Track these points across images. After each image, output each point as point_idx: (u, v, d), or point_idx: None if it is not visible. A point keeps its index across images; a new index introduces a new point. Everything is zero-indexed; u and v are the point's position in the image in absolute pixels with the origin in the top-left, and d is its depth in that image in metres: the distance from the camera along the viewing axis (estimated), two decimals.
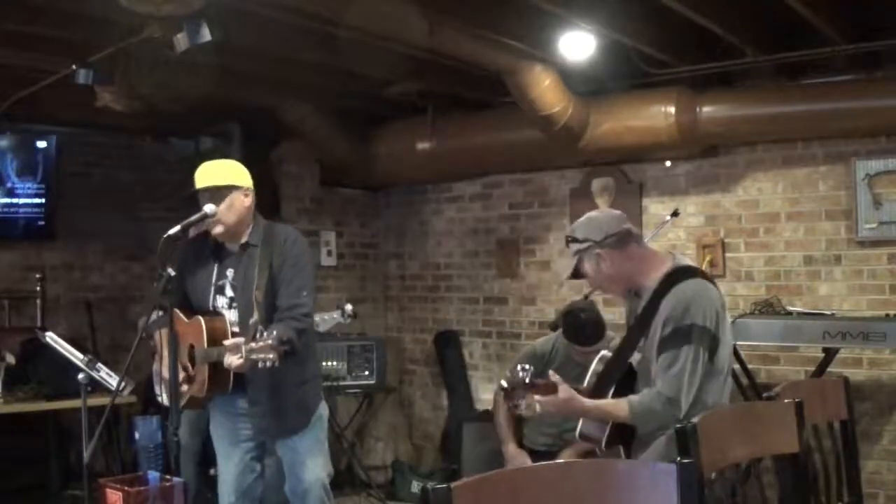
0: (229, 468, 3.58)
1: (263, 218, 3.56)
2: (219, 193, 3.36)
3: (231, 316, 3.44)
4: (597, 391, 2.93)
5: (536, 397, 2.79)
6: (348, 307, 4.68)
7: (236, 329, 3.38)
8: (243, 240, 3.46)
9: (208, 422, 3.69)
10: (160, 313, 3.37)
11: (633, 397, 2.79)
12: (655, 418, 2.73)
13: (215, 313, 3.46)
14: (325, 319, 4.58)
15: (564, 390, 2.78)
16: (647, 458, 2.75)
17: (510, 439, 4.42)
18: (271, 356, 3.05)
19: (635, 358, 2.97)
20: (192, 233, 3.49)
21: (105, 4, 3.45)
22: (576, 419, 2.95)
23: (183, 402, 3.40)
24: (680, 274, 2.84)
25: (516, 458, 4.33)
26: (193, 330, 3.41)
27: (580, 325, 4.28)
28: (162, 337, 3.44)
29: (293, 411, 3.50)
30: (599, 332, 4.24)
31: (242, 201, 3.41)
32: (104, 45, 4.07)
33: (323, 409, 3.65)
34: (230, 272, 3.47)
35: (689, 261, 3.01)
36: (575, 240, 2.94)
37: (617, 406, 2.81)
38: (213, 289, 3.48)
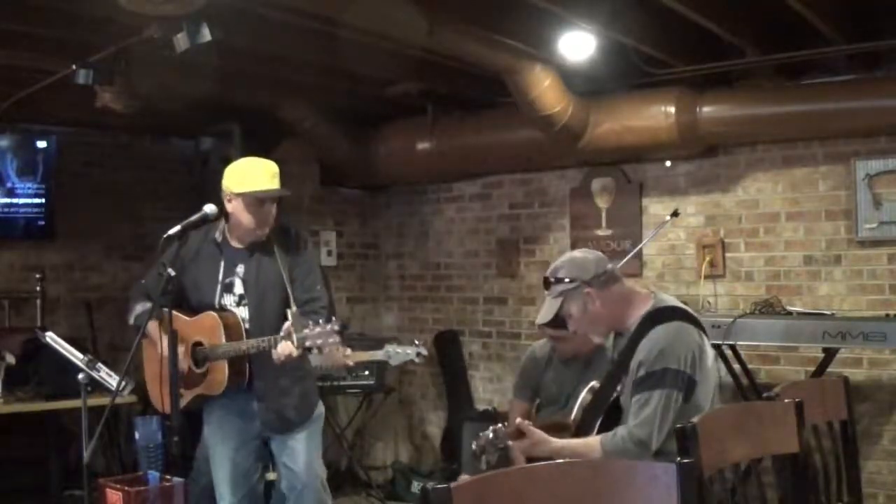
0: (233, 468, 3.56)
1: None
2: (278, 199, 3.50)
3: (241, 313, 3.45)
4: (583, 424, 3.00)
5: (510, 443, 2.89)
6: (423, 350, 4.62)
7: (248, 326, 3.43)
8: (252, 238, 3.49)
9: None
10: (147, 305, 3.37)
11: (605, 437, 2.80)
12: (626, 457, 2.69)
13: (224, 310, 3.45)
14: (398, 353, 4.52)
15: (532, 434, 2.85)
16: None
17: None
18: (335, 340, 3.17)
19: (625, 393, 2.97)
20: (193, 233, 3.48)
21: (105, 4, 3.44)
22: (548, 456, 2.90)
23: (185, 402, 3.40)
24: (658, 316, 2.82)
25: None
26: (203, 327, 3.41)
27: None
28: (157, 330, 3.39)
29: (296, 407, 3.55)
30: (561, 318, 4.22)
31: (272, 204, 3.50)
32: (104, 45, 4.07)
33: (321, 406, 3.71)
34: (240, 269, 3.47)
35: (671, 299, 2.97)
36: (559, 280, 2.89)
37: (588, 445, 2.83)
38: (219, 286, 3.47)
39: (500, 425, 2.92)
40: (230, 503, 3.57)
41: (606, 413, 2.94)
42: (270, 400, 3.50)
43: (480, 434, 2.91)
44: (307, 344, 3.19)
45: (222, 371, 3.39)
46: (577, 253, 3.03)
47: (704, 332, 2.88)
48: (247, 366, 3.42)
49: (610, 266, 2.92)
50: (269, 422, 3.53)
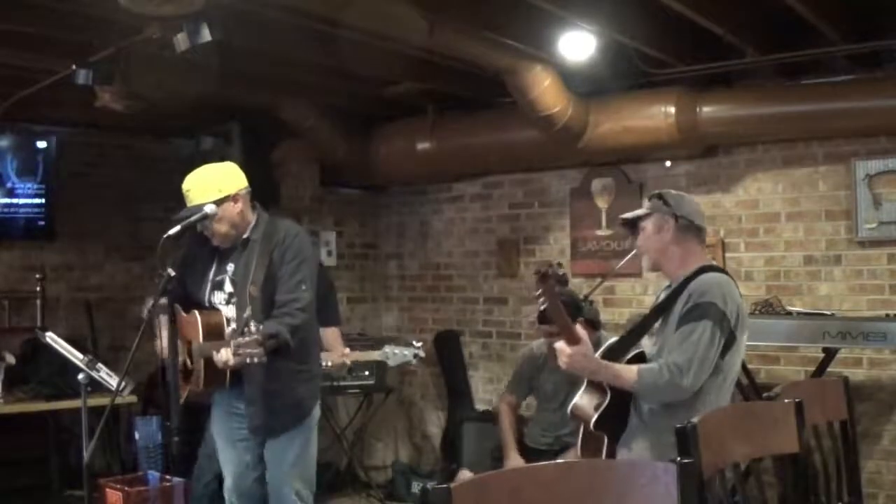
0: (229, 469, 3.56)
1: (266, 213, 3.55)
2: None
3: (228, 312, 3.42)
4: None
5: (559, 344, 2.90)
6: (420, 347, 4.61)
7: (234, 325, 3.36)
8: (244, 236, 3.45)
9: None
10: (162, 300, 3.35)
11: (643, 365, 2.87)
12: (661, 383, 2.78)
13: (212, 309, 3.45)
14: (396, 354, 4.53)
15: (586, 343, 2.88)
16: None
17: (512, 447, 4.44)
18: (257, 351, 3.01)
19: (648, 349, 3.02)
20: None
21: (105, 4, 3.44)
22: (587, 375, 2.98)
23: (182, 397, 3.38)
24: (708, 268, 2.98)
25: (518, 465, 4.34)
26: (191, 325, 3.41)
27: None
28: (161, 324, 3.40)
29: (286, 410, 3.44)
30: None
31: (233, 209, 3.39)
32: (104, 45, 4.06)
33: (316, 412, 3.58)
34: (230, 267, 3.45)
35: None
36: (661, 199, 3.04)
37: (628, 370, 2.88)
38: (209, 284, 3.47)
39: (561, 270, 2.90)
40: (230, 500, 3.56)
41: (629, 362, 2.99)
42: (257, 404, 3.41)
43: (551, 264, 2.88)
44: (239, 352, 3.04)
45: (200, 370, 3.36)
46: (691, 198, 3.17)
47: None
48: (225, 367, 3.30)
49: (702, 223, 3.07)
50: (254, 427, 3.46)
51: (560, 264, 2.96)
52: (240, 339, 3.08)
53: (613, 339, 3.18)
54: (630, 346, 3.03)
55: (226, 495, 3.58)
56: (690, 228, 3.02)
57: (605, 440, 2.92)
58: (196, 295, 3.49)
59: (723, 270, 3.08)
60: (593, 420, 2.92)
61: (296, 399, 3.46)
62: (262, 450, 3.54)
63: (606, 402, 2.92)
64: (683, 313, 2.85)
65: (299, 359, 3.42)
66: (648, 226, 3.04)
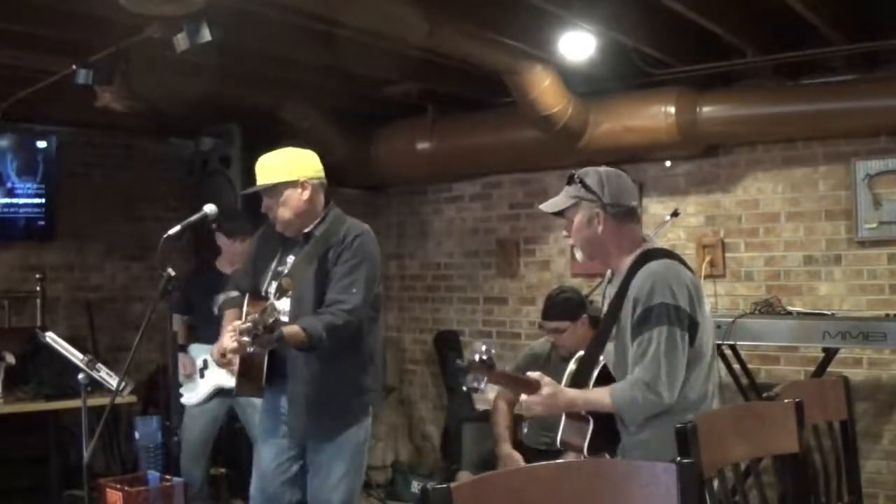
0: (258, 467, 3.39)
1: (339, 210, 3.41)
2: (273, 190, 3.25)
3: (282, 305, 3.17)
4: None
5: (522, 397, 2.71)
6: None
7: (285, 318, 3.17)
8: (307, 230, 3.31)
9: (234, 418, 3.57)
10: (231, 294, 3.36)
11: (614, 385, 2.64)
12: (636, 406, 2.58)
13: (264, 299, 3.29)
14: None
15: (547, 384, 2.65)
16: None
17: (505, 440, 4.42)
18: (245, 339, 2.87)
19: (610, 360, 2.82)
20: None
21: (105, 4, 3.44)
22: (564, 411, 2.78)
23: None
24: (648, 255, 2.71)
25: (510, 457, 4.33)
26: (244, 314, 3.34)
27: (548, 298, 4.29)
28: (228, 318, 3.35)
29: (328, 417, 3.24)
30: (566, 309, 4.20)
31: (299, 195, 3.25)
32: (104, 45, 4.07)
33: (364, 426, 3.33)
34: (290, 260, 3.34)
35: (658, 243, 2.88)
36: (583, 185, 2.78)
37: (600, 395, 2.65)
38: (269, 275, 3.35)
39: (492, 348, 2.62)
40: (254, 500, 3.40)
41: (596, 380, 2.79)
42: (298, 405, 3.24)
43: (471, 352, 2.62)
44: (243, 339, 2.86)
45: (235, 362, 3.25)
46: (615, 173, 2.83)
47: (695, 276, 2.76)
48: (260, 361, 3.21)
49: (634, 203, 2.79)
50: (292, 429, 3.30)
51: (489, 350, 2.55)
52: (237, 324, 2.96)
53: (580, 353, 2.94)
54: (596, 359, 2.83)
55: (251, 494, 3.41)
56: (625, 214, 2.73)
57: (608, 457, 2.84)
58: (260, 286, 3.38)
59: (663, 250, 2.79)
60: (585, 448, 2.76)
61: (340, 407, 3.26)
62: (299, 454, 3.34)
63: (591, 428, 2.75)
64: (635, 323, 2.62)
65: (349, 365, 3.26)
66: (576, 217, 2.79)
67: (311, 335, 3.05)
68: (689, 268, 2.74)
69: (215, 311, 3.43)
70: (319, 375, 3.20)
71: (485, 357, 2.52)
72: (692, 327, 2.60)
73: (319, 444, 3.27)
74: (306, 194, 3.26)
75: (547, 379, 2.67)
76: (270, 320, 2.88)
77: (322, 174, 3.38)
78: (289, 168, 3.29)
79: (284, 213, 3.26)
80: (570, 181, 2.85)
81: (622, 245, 2.75)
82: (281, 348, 3.16)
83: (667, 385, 2.54)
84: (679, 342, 2.56)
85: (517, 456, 4.30)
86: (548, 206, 2.91)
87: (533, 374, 2.68)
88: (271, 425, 3.37)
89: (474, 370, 2.52)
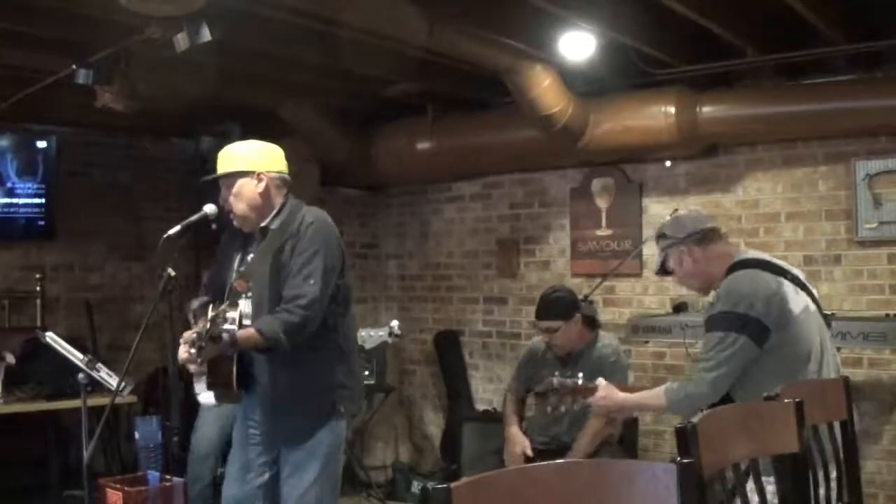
0: (231, 470, 3.33)
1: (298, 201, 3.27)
2: (228, 181, 3.17)
3: (244, 307, 3.11)
4: None
5: (590, 399, 3.13)
6: (395, 324, 4.53)
7: (247, 321, 3.06)
8: (263, 224, 3.18)
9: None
10: (203, 299, 3.24)
11: (669, 384, 2.94)
12: (690, 402, 2.84)
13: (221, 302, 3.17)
14: (372, 336, 4.45)
15: (602, 387, 3.08)
16: None
17: (513, 422, 4.42)
18: (192, 350, 2.80)
19: None
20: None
21: (105, 4, 3.44)
22: (615, 414, 3.30)
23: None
24: (732, 267, 2.97)
25: (515, 436, 4.33)
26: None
27: (541, 298, 4.36)
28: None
29: (294, 415, 3.12)
30: (558, 308, 4.25)
31: (253, 188, 3.15)
32: (104, 45, 4.07)
33: (335, 429, 3.16)
34: (250, 257, 3.22)
35: (753, 253, 3.15)
36: (663, 236, 3.10)
37: (653, 395, 2.97)
38: (234, 275, 3.22)
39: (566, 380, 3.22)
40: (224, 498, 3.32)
41: None
42: (265, 409, 3.16)
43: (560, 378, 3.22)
44: (191, 350, 2.78)
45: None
46: (682, 212, 3.26)
47: (797, 282, 2.98)
48: (228, 368, 3.06)
49: (709, 225, 3.08)
50: (262, 433, 3.21)
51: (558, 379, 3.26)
52: (186, 335, 2.87)
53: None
54: None
55: (223, 500, 3.32)
56: (704, 238, 3.04)
57: None
58: (226, 287, 3.22)
59: (747, 261, 3.01)
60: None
61: (306, 409, 3.12)
62: (272, 460, 3.22)
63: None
64: (705, 321, 2.95)
65: (316, 363, 3.11)
66: (671, 264, 3.11)
67: (267, 337, 2.95)
68: (780, 272, 2.96)
69: (190, 318, 3.28)
70: (282, 377, 3.09)
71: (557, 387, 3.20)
72: (762, 331, 2.81)
73: (291, 447, 3.15)
74: (261, 187, 3.16)
75: (603, 383, 3.11)
76: (218, 329, 2.81)
77: (285, 170, 3.28)
78: (247, 159, 3.21)
79: (237, 204, 3.16)
80: (657, 240, 3.18)
81: (716, 265, 3.03)
82: (247, 353, 3.07)
83: (714, 383, 2.83)
84: (733, 345, 2.81)
85: (522, 437, 4.32)
86: (658, 272, 3.24)
87: (600, 381, 3.13)
88: (243, 432, 3.27)
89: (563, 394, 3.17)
